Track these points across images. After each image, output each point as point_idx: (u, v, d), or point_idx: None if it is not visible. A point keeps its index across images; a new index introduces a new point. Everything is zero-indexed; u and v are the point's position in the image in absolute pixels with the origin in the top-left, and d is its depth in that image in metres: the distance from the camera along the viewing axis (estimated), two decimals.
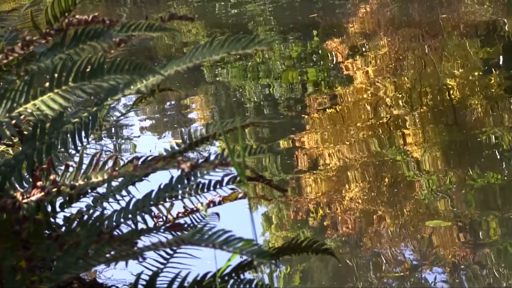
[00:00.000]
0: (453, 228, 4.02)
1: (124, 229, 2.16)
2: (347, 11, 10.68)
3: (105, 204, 2.25)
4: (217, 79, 8.06)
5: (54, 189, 1.81)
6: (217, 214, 2.48)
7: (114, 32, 1.89)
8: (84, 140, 2.13)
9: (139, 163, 1.83)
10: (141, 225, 2.20)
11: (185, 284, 2.04)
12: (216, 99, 7.43)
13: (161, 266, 2.27)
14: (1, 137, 1.90)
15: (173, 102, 7.44)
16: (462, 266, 3.71)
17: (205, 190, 2.32)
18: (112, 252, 1.86)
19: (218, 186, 2.33)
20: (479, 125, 5.51)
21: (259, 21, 10.91)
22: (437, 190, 4.52)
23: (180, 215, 2.43)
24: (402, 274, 3.72)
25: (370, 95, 6.55)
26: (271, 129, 5.99)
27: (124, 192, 2.26)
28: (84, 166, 1.93)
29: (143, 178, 2.23)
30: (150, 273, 2.13)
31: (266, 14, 11.30)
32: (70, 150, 2.12)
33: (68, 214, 2.20)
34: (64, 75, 1.82)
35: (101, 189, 2.27)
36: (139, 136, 6.60)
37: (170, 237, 2.15)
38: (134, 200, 2.25)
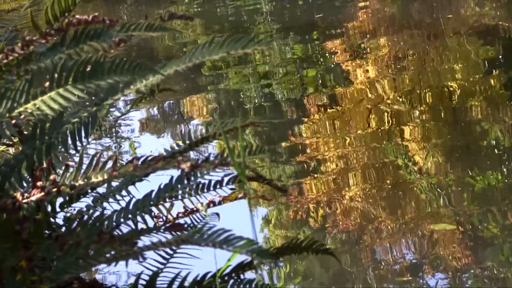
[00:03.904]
0: (458, 231, 4.01)
1: (124, 229, 2.17)
2: (347, 11, 10.68)
3: (105, 204, 2.25)
4: (217, 79, 8.05)
5: (54, 189, 1.81)
6: (217, 214, 2.48)
7: (114, 32, 1.89)
8: (84, 140, 2.13)
9: (139, 163, 1.83)
10: (141, 225, 2.20)
11: (185, 284, 2.05)
12: (216, 99, 7.43)
13: (161, 266, 2.27)
14: (1, 137, 1.90)
15: (173, 102, 7.44)
16: (465, 269, 3.71)
17: (205, 190, 2.32)
18: (112, 252, 1.86)
19: (218, 186, 2.33)
20: (481, 126, 5.51)
21: (259, 20, 10.91)
22: (439, 192, 4.52)
23: (180, 215, 2.43)
24: (405, 278, 3.72)
25: (370, 95, 6.55)
26: (271, 129, 5.98)
27: (124, 192, 2.26)
28: (84, 166, 1.93)
29: (143, 178, 2.24)
30: (150, 273, 2.13)
31: (266, 14, 11.30)
32: (70, 150, 2.12)
33: (68, 214, 2.20)
34: (64, 75, 1.82)
35: (101, 189, 2.27)
36: (138, 134, 6.61)
37: (170, 237, 2.15)
38: (134, 200, 2.25)
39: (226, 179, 2.32)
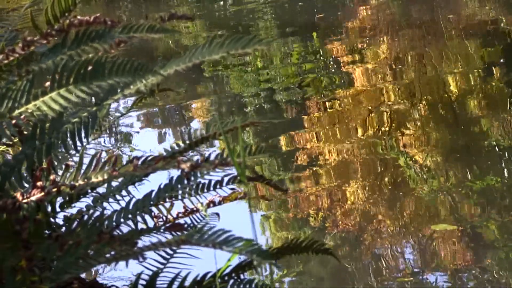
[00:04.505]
0: (458, 231, 4.00)
1: (124, 229, 2.17)
2: (348, 11, 10.68)
3: (105, 204, 2.25)
4: (218, 79, 8.06)
5: (54, 189, 1.81)
6: (217, 214, 2.48)
7: (116, 33, 1.89)
8: (84, 140, 2.13)
9: (139, 163, 1.83)
10: (141, 225, 2.20)
11: (185, 284, 2.05)
12: (216, 99, 7.43)
13: (161, 266, 2.27)
14: (1, 137, 1.90)
15: (173, 102, 7.44)
16: (465, 270, 3.70)
17: (205, 190, 2.32)
18: (112, 252, 1.86)
19: (218, 186, 2.33)
20: (481, 126, 5.51)
21: (259, 20, 10.92)
22: (439, 192, 4.52)
23: (180, 215, 2.43)
24: (406, 278, 3.71)
25: (370, 95, 6.55)
26: (271, 129, 5.99)
27: (124, 192, 2.26)
28: (84, 166, 1.93)
29: (143, 178, 2.24)
30: (150, 273, 2.13)
31: (266, 14, 11.30)
32: (70, 150, 2.12)
33: (68, 214, 2.20)
34: (65, 76, 1.82)
35: (101, 189, 2.27)
36: (138, 134, 6.61)
37: (170, 237, 2.15)
38: (134, 200, 2.25)
39: (226, 179, 2.32)
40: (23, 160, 2.05)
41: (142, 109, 7.14)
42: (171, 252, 2.31)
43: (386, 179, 4.83)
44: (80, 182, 1.85)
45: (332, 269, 3.88)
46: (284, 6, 11.59)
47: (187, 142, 2.17)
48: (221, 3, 12.59)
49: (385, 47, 8.16)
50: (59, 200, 2.18)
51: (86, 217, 2.15)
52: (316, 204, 4.57)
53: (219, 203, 2.46)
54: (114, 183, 2.28)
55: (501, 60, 7.18)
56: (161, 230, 2.18)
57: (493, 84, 6.44)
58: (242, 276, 2.15)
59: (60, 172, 1.99)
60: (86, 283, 2.32)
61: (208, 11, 12.53)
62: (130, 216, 2.18)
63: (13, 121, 1.89)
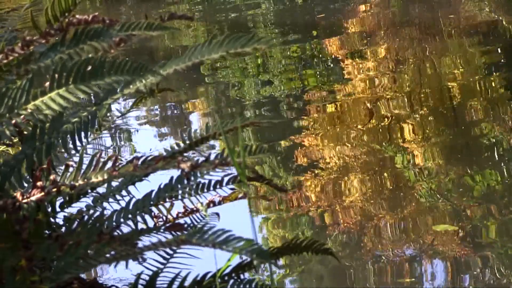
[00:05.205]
0: (459, 232, 4.00)
1: (124, 229, 2.17)
2: (348, 11, 10.68)
3: (105, 204, 2.25)
4: (218, 79, 8.05)
5: (54, 189, 1.81)
6: (217, 214, 2.48)
7: (114, 32, 1.89)
8: (84, 140, 2.13)
9: (139, 163, 1.83)
10: (141, 225, 2.20)
11: (185, 284, 2.05)
12: (216, 99, 7.42)
13: (161, 266, 2.27)
14: (1, 137, 1.90)
15: (173, 102, 7.44)
16: (466, 270, 3.70)
17: (205, 190, 2.32)
18: (112, 252, 1.86)
19: (218, 186, 2.33)
20: (480, 126, 5.51)
21: (259, 21, 10.92)
22: (440, 193, 4.51)
23: (180, 215, 2.43)
24: (406, 279, 3.71)
25: (370, 95, 6.55)
26: (271, 129, 5.98)
27: (124, 192, 2.26)
28: (84, 166, 1.93)
29: (143, 178, 2.24)
30: (150, 273, 2.13)
31: (265, 14, 11.30)
32: (70, 150, 2.12)
33: (68, 214, 2.20)
34: (64, 76, 1.82)
35: (101, 189, 2.27)
36: (138, 134, 6.60)
37: (170, 237, 2.16)
38: (134, 200, 2.25)
39: (226, 179, 2.32)
40: (23, 160, 2.05)
41: (142, 108, 7.14)
42: (171, 252, 2.31)
43: (386, 179, 4.82)
44: (80, 182, 1.85)
45: (332, 269, 3.88)
46: (284, 6, 11.59)
47: (187, 142, 2.17)
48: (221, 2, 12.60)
49: (385, 47, 8.16)
50: (59, 200, 2.18)
51: (86, 217, 2.15)
52: (315, 204, 4.57)
53: (219, 203, 2.46)
54: (114, 183, 2.28)
55: (501, 60, 7.18)
56: (161, 230, 2.18)
57: (493, 84, 6.44)
58: (242, 276, 2.15)
59: (60, 172, 1.99)
60: (86, 283, 2.32)
61: (208, 11, 12.52)
62: (130, 216, 2.19)
63: (13, 121, 1.89)
